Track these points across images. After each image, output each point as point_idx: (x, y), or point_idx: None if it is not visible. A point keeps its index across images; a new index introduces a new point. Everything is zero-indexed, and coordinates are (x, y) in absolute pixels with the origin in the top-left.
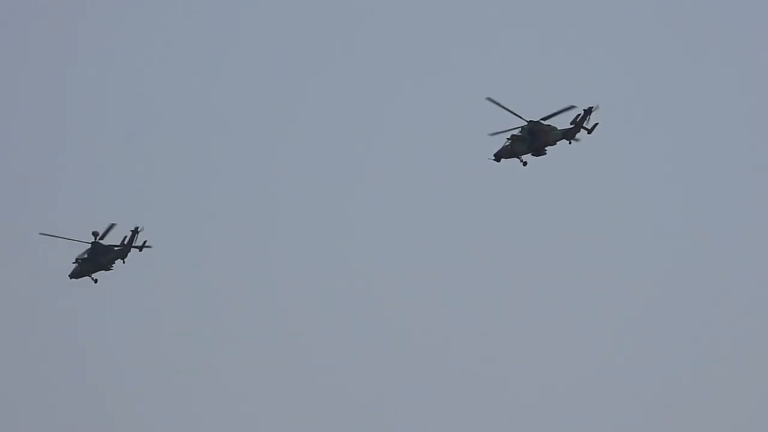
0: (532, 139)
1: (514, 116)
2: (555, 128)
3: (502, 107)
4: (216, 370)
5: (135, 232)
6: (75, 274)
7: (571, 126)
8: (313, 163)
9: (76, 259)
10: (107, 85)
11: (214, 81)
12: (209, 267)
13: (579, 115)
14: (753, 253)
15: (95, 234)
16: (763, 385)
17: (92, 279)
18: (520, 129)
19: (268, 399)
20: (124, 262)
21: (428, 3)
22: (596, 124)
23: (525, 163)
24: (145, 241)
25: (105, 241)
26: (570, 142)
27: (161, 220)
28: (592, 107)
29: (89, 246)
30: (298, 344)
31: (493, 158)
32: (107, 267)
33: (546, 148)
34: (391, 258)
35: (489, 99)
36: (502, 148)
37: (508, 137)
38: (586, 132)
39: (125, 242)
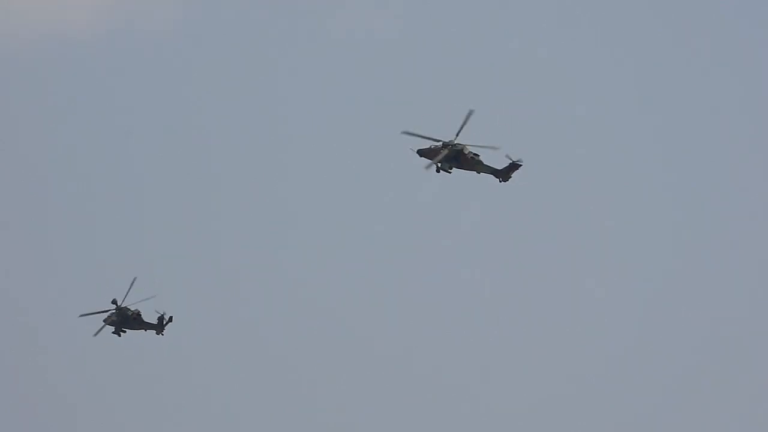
0: (458, 164)
1: (432, 140)
2: (481, 161)
3: (420, 136)
4: None
5: (165, 319)
6: (108, 320)
7: (500, 169)
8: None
9: (109, 313)
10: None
11: None
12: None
13: (511, 163)
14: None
15: (114, 302)
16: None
17: (117, 334)
18: (444, 146)
19: None
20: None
21: None
22: (510, 177)
23: (438, 171)
24: (170, 318)
25: (132, 313)
26: (500, 180)
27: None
28: (520, 163)
29: (114, 309)
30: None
31: (416, 152)
32: (119, 331)
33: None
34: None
35: (405, 132)
36: (431, 149)
37: (439, 145)
38: (500, 180)
39: (156, 324)
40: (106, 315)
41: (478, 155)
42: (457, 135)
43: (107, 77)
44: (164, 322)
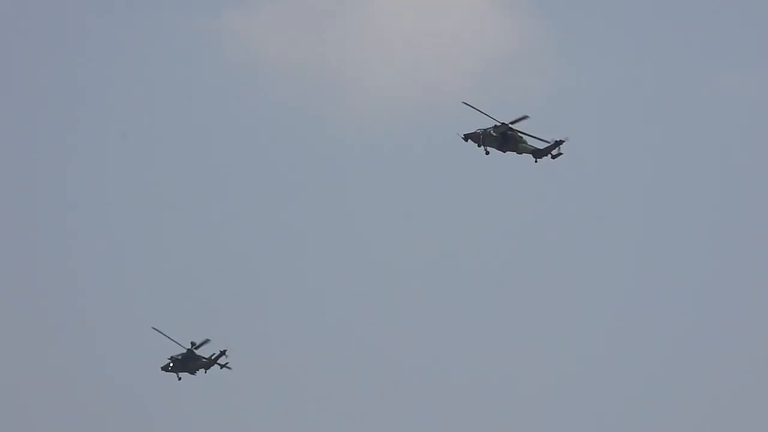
0: (503, 141)
1: (489, 118)
2: (525, 142)
3: (478, 110)
4: None
5: (222, 352)
6: (166, 368)
7: (541, 149)
8: None
9: (171, 358)
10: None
11: None
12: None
13: (553, 142)
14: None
15: (192, 344)
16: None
17: (177, 376)
18: (494, 127)
19: None
20: (205, 372)
21: None
22: (561, 154)
23: (488, 153)
24: (227, 363)
25: (198, 351)
26: (536, 161)
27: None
28: (562, 140)
29: (185, 351)
30: None
31: (462, 136)
32: (192, 371)
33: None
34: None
35: (465, 103)
36: (474, 133)
37: (483, 128)
38: (551, 157)
39: (212, 358)
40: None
41: (523, 136)
42: (513, 123)
43: None
44: (220, 356)
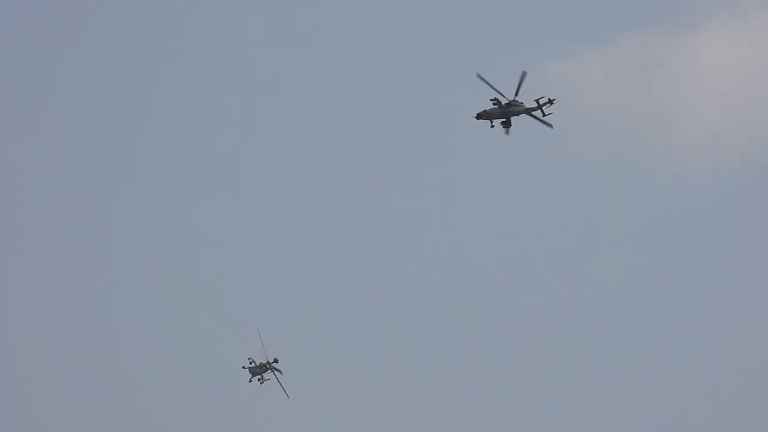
0: (506, 108)
1: (499, 94)
2: (522, 104)
3: (490, 85)
4: None
5: (275, 361)
6: (250, 371)
7: (532, 107)
8: None
9: (251, 361)
10: None
11: None
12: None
13: (541, 99)
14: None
15: (275, 360)
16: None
17: (259, 379)
18: (495, 100)
19: None
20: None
21: None
22: (551, 113)
23: (508, 130)
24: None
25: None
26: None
27: None
28: (553, 99)
29: (264, 362)
30: None
31: (475, 117)
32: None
33: (512, 119)
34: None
35: (479, 76)
36: (486, 111)
37: (496, 108)
38: (542, 114)
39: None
40: (252, 366)
41: (522, 103)
42: (516, 95)
43: None
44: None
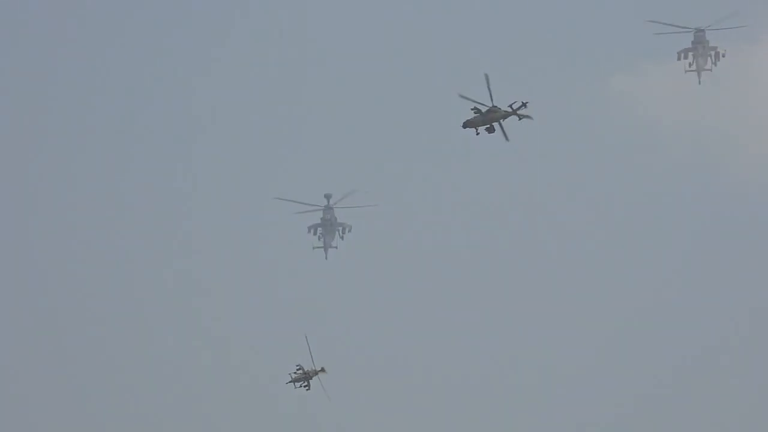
0: (486, 115)
1: (483, 106)
2: (500, 109)
3: (471, 100)
4: None
5: (322, 370)
6: (297, 378)
7: (508, 112)
8: None
9: (299, 367)
10: None
11: None
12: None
13: (515, 104)
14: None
15: (322, 369)
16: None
17: (305, 387)
18: (475, 108)
19: None
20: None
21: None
22: (529, 117)
23: (505, 135)
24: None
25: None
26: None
27: None
28: (526, 102)
29: (302, 370)
30: None
31: (462, 125)
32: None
33: (494, 125)
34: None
35: (461, 96)
36: (471, 120)
37: (473, 109)
38: (518, 119)
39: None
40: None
41: (500, 109)
42: (491, 100)
43: None
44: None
